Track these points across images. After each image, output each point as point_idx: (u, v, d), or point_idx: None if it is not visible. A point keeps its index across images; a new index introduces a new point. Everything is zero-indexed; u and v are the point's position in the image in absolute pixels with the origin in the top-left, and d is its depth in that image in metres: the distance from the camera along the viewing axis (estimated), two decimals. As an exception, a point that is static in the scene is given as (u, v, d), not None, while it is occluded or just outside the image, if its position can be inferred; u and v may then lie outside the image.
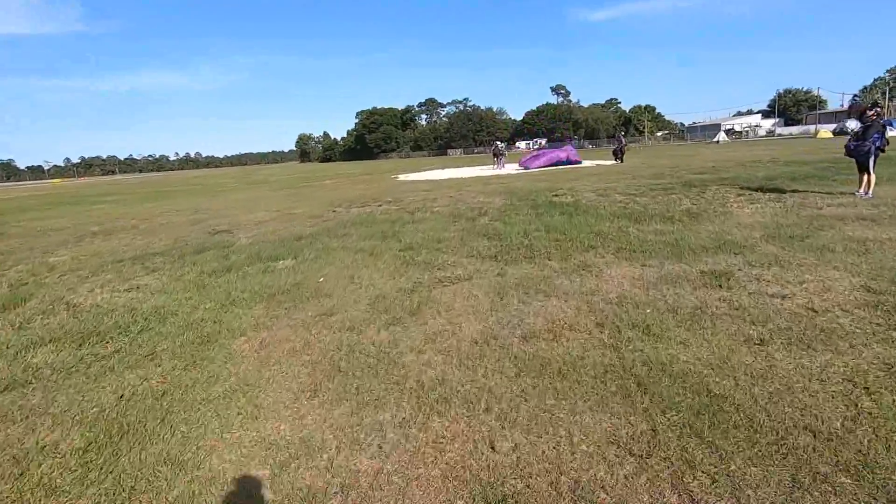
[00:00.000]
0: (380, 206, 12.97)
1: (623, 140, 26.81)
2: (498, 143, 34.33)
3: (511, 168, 27.42)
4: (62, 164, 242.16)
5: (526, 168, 25.48)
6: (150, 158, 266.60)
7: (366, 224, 9.65)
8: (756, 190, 10.51)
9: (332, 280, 5.66)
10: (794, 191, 10.00)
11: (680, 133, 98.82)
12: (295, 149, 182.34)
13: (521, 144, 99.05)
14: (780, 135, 78.17)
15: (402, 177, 29.11)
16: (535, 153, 27.15)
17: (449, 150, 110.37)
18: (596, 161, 29.49)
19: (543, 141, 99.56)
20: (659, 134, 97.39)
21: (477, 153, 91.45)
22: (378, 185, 22.82)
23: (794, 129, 79.25)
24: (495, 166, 28.77)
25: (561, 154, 26.26)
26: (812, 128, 72.28)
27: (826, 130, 60.43)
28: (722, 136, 68.20)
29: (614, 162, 25.96)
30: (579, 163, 26.25)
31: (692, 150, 39.97)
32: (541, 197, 11.89)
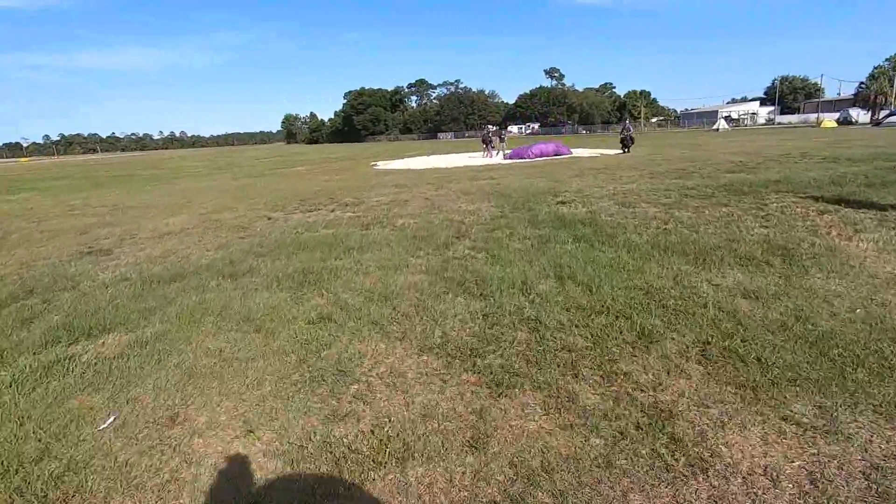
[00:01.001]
0: (332, 210, 9.97)
1: (631, 128, 23.81)
2: (489, 126, 31.13)
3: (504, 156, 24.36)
4: (42, 142, 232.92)
5: (519, 158, 22.47)
6: (133, 137, 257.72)
7: (290, 250, 6.67)
8: (837, 202, 7.65)
9: (130, 426, 2.74)
10: (895, 206, 7.17)
11: (675, 119, 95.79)
12: (282, 129, 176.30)
13: (514, 129, 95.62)
14: (779, 123, 75.51)
15: (381, 164, 25.99)
16: (526, 146, 24.29)
17: (439, 134, 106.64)
18: (597, 150, 26.50)
19: (536, 126, 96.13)
20: (654, 120, 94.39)
21: (468, 137, 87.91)
22: (349, 175, 19.69)
23: (794, 118, 76.51)
24: (485, 154, 25.72)
25: (549, 147, 23.36)
26: (812, 116, 69.58)
27: (830, 120, 57.72)
28: (722, 124, 65.12)
29: (620, 151, 23.02)
30: (569, 153, 23.35)
31: (695, 139, 37.14)
32: (542, 204, 8.97)
